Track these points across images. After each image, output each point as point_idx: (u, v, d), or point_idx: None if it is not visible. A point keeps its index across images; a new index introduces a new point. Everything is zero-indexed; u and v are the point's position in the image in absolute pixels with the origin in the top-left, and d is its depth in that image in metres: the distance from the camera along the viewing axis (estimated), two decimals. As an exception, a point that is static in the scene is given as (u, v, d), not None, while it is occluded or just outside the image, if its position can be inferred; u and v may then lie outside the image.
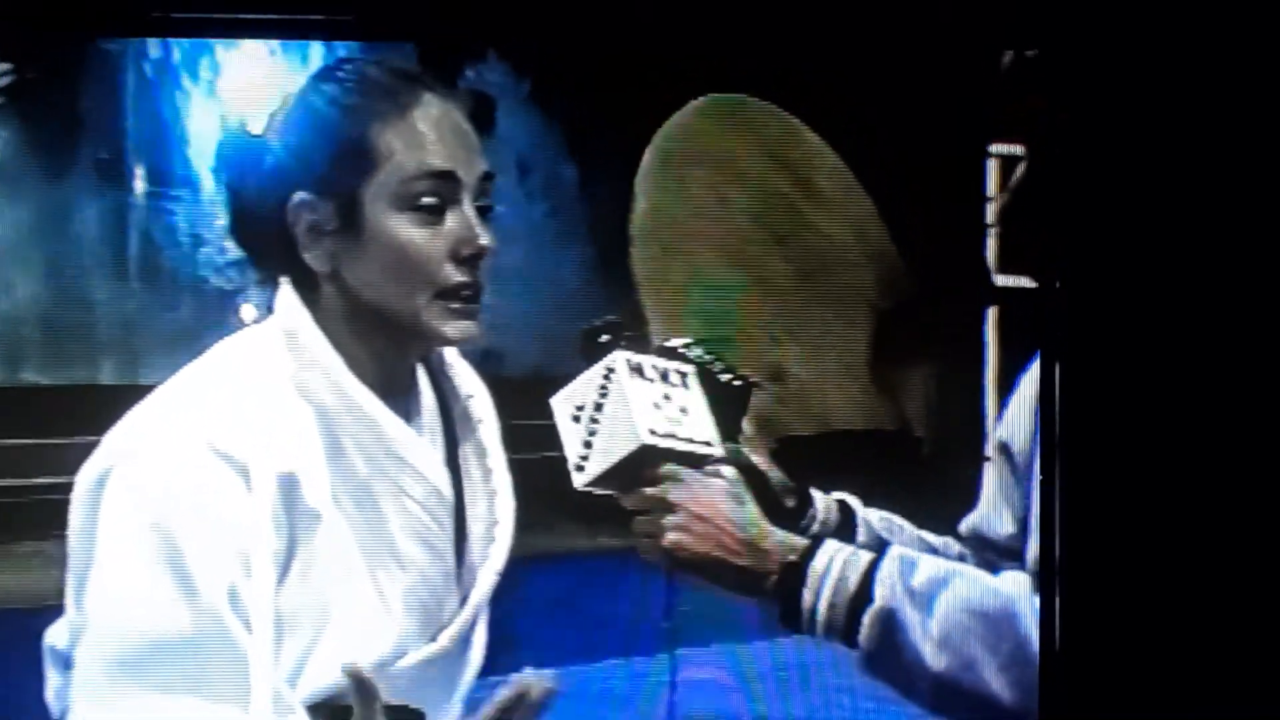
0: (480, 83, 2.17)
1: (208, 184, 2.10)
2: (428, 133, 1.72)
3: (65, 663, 1.74)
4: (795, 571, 1.78)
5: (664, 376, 1.81)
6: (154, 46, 2.14)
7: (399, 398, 1.77)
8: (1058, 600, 1.92)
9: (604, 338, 1.82)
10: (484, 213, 1.75)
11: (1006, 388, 1.99)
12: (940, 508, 1.97)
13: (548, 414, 2.00)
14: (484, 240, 1.72)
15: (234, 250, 1.85)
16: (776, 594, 1.79)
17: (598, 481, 1.79)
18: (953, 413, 2.09)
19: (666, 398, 1.79)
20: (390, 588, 1.73)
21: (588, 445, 1.79)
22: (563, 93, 2.17)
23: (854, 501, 1.94)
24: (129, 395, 1.75)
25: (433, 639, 1.77)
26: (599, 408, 1.78)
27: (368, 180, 1.71)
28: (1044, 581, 1.90)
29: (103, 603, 1.65)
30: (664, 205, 2.09)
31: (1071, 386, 1.99)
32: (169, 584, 1.62)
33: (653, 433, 1.76)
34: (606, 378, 1.78)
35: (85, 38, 2.05)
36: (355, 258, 1.71)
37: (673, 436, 1.78)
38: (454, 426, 1.83)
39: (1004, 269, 2.10)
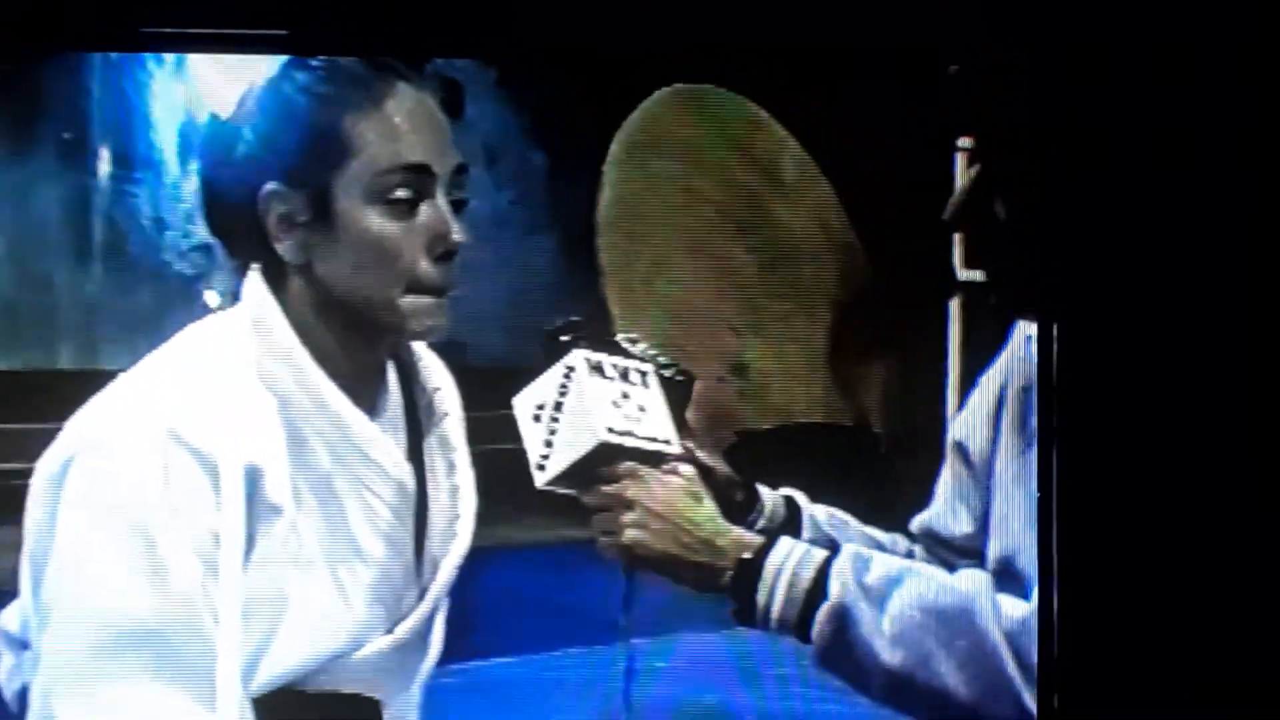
0: (449, 69, 2.08)
1: (172, 167, 2.07)
2: (401, 125, 1.71)
3: (19, 645, 1.75)
4: (750, 568, 1.79)
5: (624, 375, 1.82)
6: (118, 28, 2.10)
7: (365, 391, 1.77)
8: (1055, 591, 1.90)
9: (565, 337, 1.82)
10: (458, 206, 1.75)
11: (968, 384, 1.99)
12: (897, 504, 1.97)
13: (510, 406, 1.98)
14: (456, 236, 1.72)
15: (199, 235, 1.84)
16: (731, 590, 1.80)
17: (558, 480, 1.80)
18: (913, 408, 2.09)
19: (625, 396, 1.80)
20: (350, 581, 1.74)
21: (548, 444, 1.79)
22: (531, 80, 2.15)
23: (800, 498, 1.96)
24: (89, 380, 1.74)
25: (390, 631, 1.78)
26: (559, 407, 1.79)
27: (340, 172, 1.70)
28: (1041, 575, 1.89)
29: (72, 591, 1.65)
30: (630, 195, 2.08)
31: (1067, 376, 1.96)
32: (143, 571, 1.63)
33: (611, 430, 1.78)
34: (566, 377, 1.79)
35: (37, 49, 2.02)
36: (327, 250, 1.71)
37: (630, 434, 1.79)
38: (419, 419, 1.83)
39: (969, 263, 2.09)
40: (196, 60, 2.07)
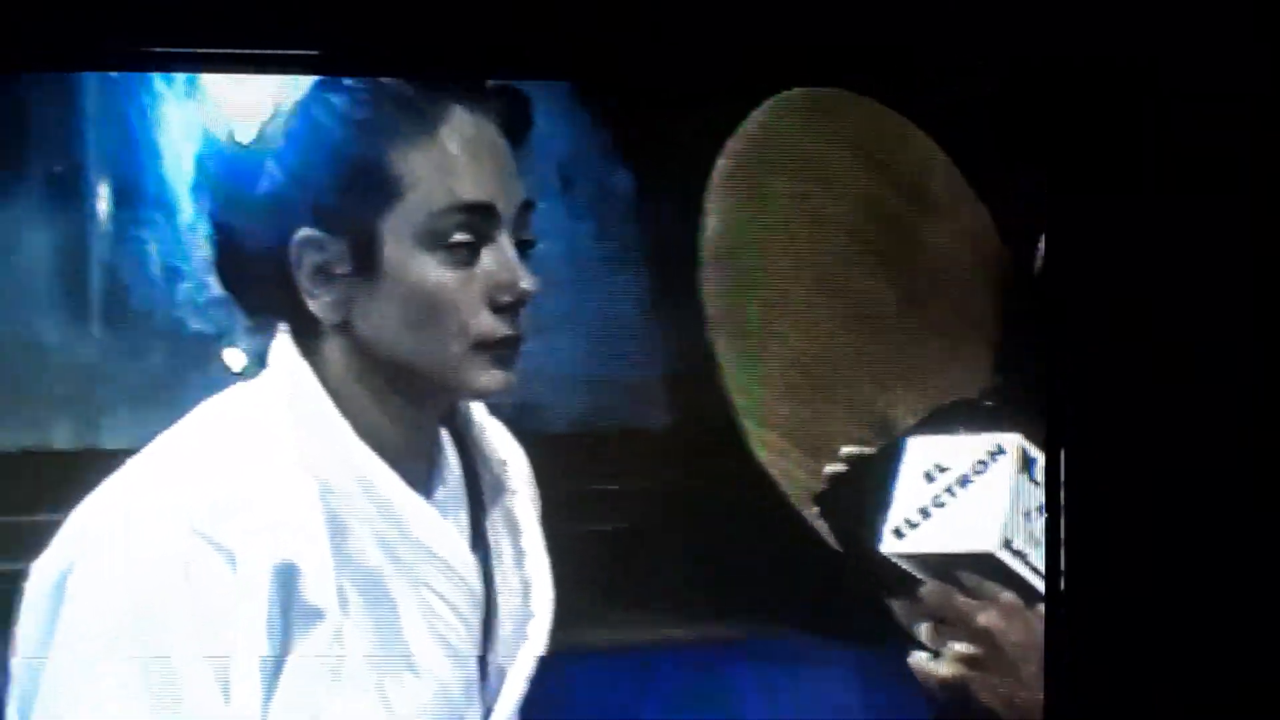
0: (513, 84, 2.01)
1: (186, 204, 1.94)
2: (459, 157, 1.63)
3: None
4: None
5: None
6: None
7: (419, 469, 1.68)
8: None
9: (989, 402, 1.72)
10: (524, 248, 1.68)
11: None
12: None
13: (594, 479, 1.89)
14: (525, 284, 1.65)
15: (219, 288, 1.73)
16: None
17: (911, 558, 1.67)
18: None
19: (1040, 511, 1.69)
20: (399, 697, 1.65)
21: (924, 514, 1.68)
22: (611, 87, 2.01)
23: None
24: (88, 461, 1.69)
25: None
26: (964, 482, 1.67)
27: (387, 214, 1.62)
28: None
29: (76, 712, 1.59)
30: (740, 223, 1.91)
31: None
32: (155, 695, 1.58)
33: (1008, 546, 1.66)
34: (992, 455, 1.68)
35: (40, 70, 1.92)
36: (372, 306, 1.63)
37: (1022, 559, 1.67)
38: (482, 500, 1.73)
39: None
40: (214, 76, 1.94)
